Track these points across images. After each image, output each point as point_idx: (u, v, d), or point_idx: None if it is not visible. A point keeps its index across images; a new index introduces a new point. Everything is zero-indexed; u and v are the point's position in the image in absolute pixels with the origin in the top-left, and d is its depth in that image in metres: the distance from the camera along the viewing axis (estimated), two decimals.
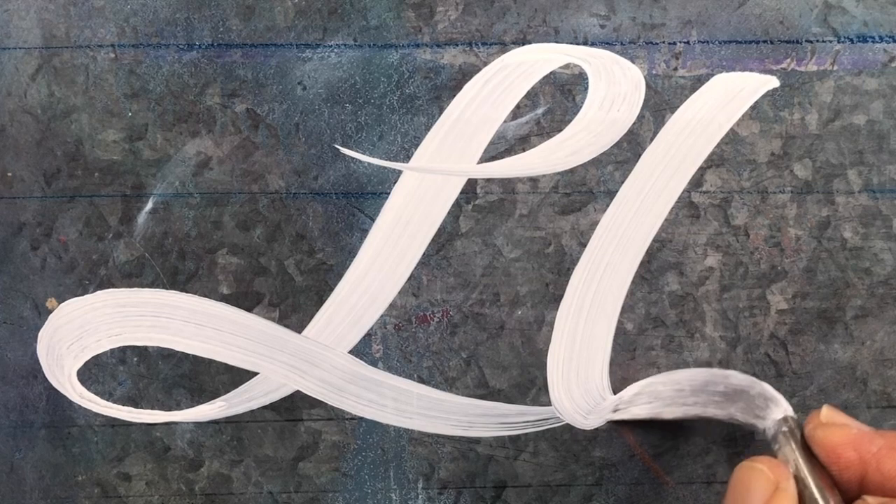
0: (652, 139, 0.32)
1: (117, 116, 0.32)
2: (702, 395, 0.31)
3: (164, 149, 0.32)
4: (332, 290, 0.33)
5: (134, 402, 0.33)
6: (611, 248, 0.33)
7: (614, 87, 0.32)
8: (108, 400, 0.33)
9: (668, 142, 0.32)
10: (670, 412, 0.31)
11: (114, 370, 0.33)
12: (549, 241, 0.33)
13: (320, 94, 0.32)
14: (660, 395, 0.32)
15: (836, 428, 0.24)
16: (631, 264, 0.33)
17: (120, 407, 0.33)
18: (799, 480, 0.24)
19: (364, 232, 0.33)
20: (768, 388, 0.29)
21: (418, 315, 0.33)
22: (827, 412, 0.25)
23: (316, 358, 0.33)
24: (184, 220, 0.33)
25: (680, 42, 0.32)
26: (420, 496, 0.33)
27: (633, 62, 0.32)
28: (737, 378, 0.30)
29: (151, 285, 0.33)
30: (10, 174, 0.33)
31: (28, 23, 0.32)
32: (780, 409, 0.28)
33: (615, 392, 0.33)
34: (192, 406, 0.33)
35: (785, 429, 0.26)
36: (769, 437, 0.27)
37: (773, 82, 0.32)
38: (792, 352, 0.33)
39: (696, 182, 0.32)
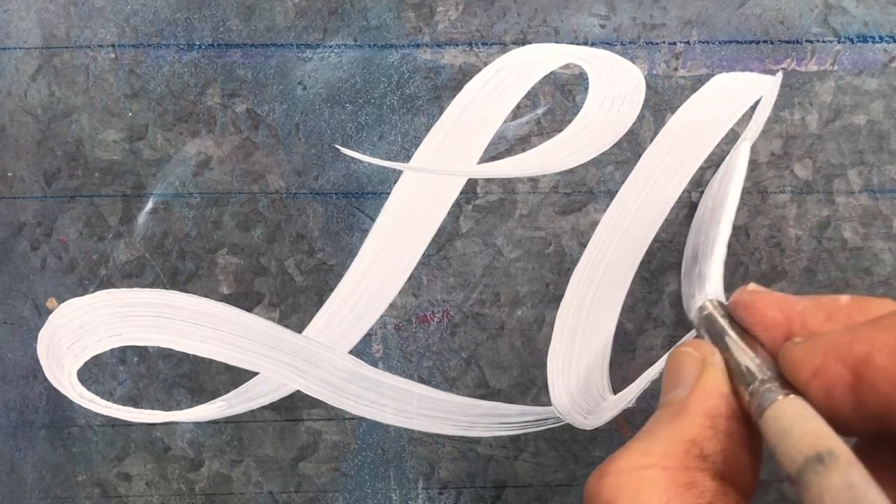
0: (652, 139, 0.32)
1: (117, 116, 0.32)
2: (693, 252, 0.30)
3: (164, 149, 0.32)
4: (332, 290, 0.33)
5: (134, 402, 0.33)
6: (611, 248, 0.33)
7: (614, 87, 0.32)
8: (108, 400, 0.33)
9: (668, 142, 0.32)
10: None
11: (114, 370, 0.33)
12: (549, 241, 0.33)
13: (320, 94, 0.32)
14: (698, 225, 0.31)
15: (762, 293, 0.25)
16: (631, 264, 0.33)
17: (120, 407, 0.33)
18: (725, 351, 0.24)
19: (364, 232, 0.33)
20: (706, 267, 0.28)
21: (418, 315, 0.33)
22: (754, 285, 0.25)
23: (316, 358, 0.33)
24: (184, 220, 0.33)
25: (680, 42, 0.32)
26: (420, 496, 0.34)
27: (633, 62, 0.32)
28: (694, 249, 0.29)
29: (151, 285, 0.33)
30: (10, 174, 0.33)
31: (28, 23, 0.32)
32: (702, 294, 0.27)
33: (615, 392, 0.33)
34: (192, 406, 0.33)
35: (706, 313, 0.26)
36: (695, 327, 0.27)
37: (773, 82, 0.32)
38: None
39: (696, 182, 0.32)
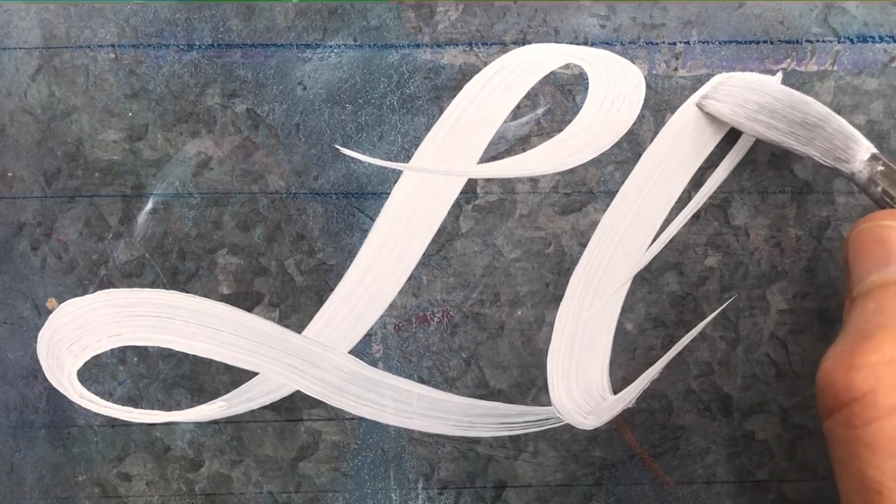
0: (652, 139, 0.32)
1: (117, 116, 0.32)
2: (783, 120, 0.29)
3: (164, 149, 0.32)
4: (332, 290, 0.33)
5: (134, 402, 0.33)
6: (611, 248, 0.33)
7: (614, 87, 0.32)
8: (108, 400, 0.33)
9: (668, 142, 0.32)
10: (751, 127, 0.29)
11: (114, 370, 0.33)
12: (549, 241, 0.33)
13: (320, 94, 0.32)
14: (746, 101, 0.30)
15: None
16: (631, 264, 0.33)
17: (120, 407, 0.33)
18: None
19: (364, 232, 0.33)
20: (845, 125, 0.27)
21: (418, 315, 0.33)
22: None
23: (316, 358, 0.33)
24: (184, 220, 0.33)
25: (680, 42, 0.32)
26: (420, 496, 0.34)
27: (633, 62, 0.32)
28: (813, 108, 0.28)
29: (151, 285, 0.33)
30: (10, 174, 0.33)
31: (28, 23, 0.32)
32: (864, 147, 0.25)
33: (615, 392, 0.33)
34: (192, 406, 0.33)
35: (881, 167, 0.24)
36: (863, 181, 0.25)
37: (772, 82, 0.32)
38: (792, 352, 0.33)
39: (696, 182, 0.32)
